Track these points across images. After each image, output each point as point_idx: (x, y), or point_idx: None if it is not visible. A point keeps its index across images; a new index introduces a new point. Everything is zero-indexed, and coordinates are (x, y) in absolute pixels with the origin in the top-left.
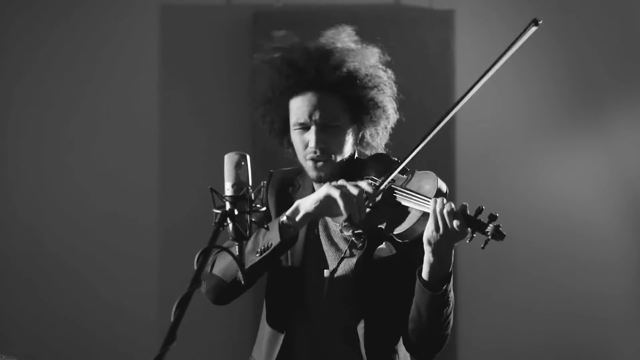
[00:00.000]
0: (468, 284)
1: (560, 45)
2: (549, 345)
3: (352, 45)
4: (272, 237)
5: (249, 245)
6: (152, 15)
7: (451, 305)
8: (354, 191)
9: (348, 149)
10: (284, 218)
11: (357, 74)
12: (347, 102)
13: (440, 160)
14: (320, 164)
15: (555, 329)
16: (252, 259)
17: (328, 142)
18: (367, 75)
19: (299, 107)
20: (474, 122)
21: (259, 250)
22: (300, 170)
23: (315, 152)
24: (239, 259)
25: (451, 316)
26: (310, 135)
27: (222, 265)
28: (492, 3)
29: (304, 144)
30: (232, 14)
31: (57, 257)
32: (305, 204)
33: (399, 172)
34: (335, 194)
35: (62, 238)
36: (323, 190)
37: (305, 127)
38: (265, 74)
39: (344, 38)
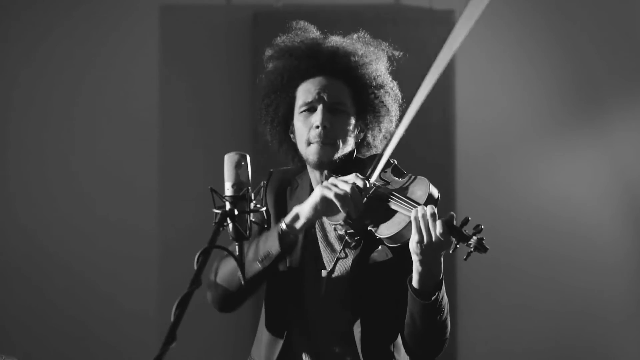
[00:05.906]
0: (468, 284)
1: (561, 46)
2: (549, 345)
3: (364, 46)
4: (271, 245)
5: (250, 253)
6: (152, 15)
7: (445, 311)
8: (346, 187)
9: (350, 141)
10: (282, 226)
11: (367, 67)
12: (354, 94)
13: (440, 160)
14: (324, 147)
15: (556, 329)
16: (253, 267)
17: (334, 124)
18: (376, 69)
19: (307, 89)
20: (474, 122)
21: (259, 258)
22: (299, 170)
23: (320, 133)
24: (239, 259)
25: (447, 321)
26: (317, 116)
27: (226, 273)
28: (492, 3)
29: (308, 126)
30: (232, 14)
31: (56, 257)
32: (304, 211)
33: (395, 175)
34: (330, 194)
35: (61, 238)
36: (317, 194)
37: (311, 108)
38: (274, 67)
39: (356, 40)
